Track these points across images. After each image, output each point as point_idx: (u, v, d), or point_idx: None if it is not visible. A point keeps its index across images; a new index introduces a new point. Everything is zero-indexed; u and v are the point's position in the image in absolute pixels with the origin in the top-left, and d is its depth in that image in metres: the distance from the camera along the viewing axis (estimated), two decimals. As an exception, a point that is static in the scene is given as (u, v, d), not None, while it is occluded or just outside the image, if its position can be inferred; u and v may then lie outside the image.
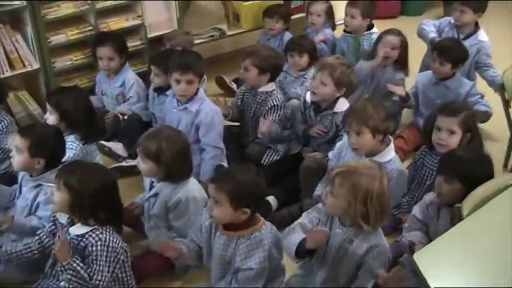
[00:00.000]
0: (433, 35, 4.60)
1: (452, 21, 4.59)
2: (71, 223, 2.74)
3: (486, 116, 4.06)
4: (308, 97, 3.92)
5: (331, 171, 2.67)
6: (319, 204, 2.76)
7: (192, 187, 3.12)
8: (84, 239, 2.66)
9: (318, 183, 3.55)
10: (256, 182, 2.65)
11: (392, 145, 3.29)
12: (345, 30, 4.91)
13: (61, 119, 3.44)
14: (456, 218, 2.45)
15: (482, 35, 4.48)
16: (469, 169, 2.78)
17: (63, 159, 3.18)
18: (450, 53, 4.00)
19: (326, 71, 3.72)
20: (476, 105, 3.98)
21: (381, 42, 4.30)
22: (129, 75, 4.47)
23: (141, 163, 3.06)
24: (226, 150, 3.81)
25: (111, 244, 2.65)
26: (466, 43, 4.35)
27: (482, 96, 4.12)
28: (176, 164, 3.02)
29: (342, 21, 4.97)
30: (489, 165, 2.91)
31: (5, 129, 3.73)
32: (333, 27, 5.08)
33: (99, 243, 2.64)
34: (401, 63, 4.32)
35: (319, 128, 3.78)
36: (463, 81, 4.09)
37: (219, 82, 5.07)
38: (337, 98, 3.78)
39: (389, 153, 3.26)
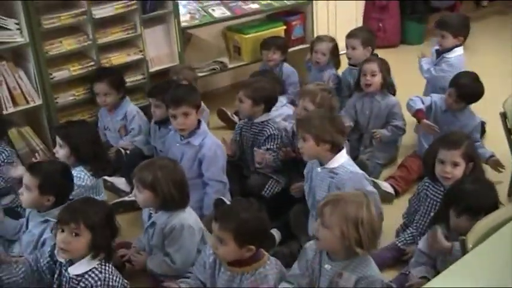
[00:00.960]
0: (427, 66, 4.69)
1: (436, 47, 4.67)
2: (70, 262, 2.70)
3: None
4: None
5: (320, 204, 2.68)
6: (306, 245, 2.79)
7: (188, 216, 3.14)
8: (83, 279, 2.61)
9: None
10: (260, 219, 2.65)
11: (343, 152, 3.34)
12: (350, 64, 4.91)
13: (71, 152, 3.48)
14: (461, 250, 2.44)
15: (453, 52, 4.57)
16: (480, 202, 2.80)
17: (73, 192, 3.21)
18: (467, 93, 4.04)
19: (307, 97, 3.80)
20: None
21: (361, 72, 4.36)
22: (130, 108, 4.51)
23: (138, 193, 3.09)
24: (229, 182, 3.80)
25: (111, 283, 2.62)
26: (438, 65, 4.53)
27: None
28: (172, 193, 3.04)
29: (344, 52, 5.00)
30: (495, 194, 2.94)
31: (6, 160, 3.76)
32: (337, 65, 5.08)
33: (98, 282, 2.60)
34: (387, 86, 4.38)
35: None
36: (471, 116, 4.11)
37: (220, 115, 5.10)
38: None
39: (339, 160, 3.31)
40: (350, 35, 4.80)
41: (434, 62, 4.68)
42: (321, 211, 2.61)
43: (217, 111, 5.09)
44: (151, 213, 3.19)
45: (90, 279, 2.60)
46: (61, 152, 3.49)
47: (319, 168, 3.36)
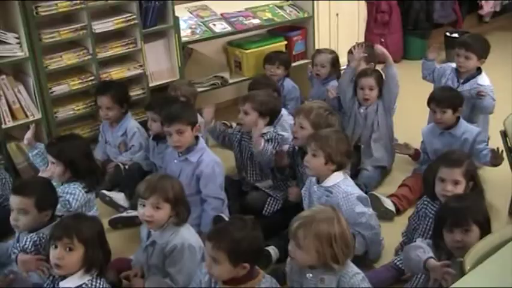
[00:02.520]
0: (424, 72, 4.69)
1: (453, 65, 4.59)
2: (62, 277, 2.67)
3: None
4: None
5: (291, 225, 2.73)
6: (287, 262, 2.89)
7: (188, 235, 3.11)
8: None
9: None
10: (253, 237, 2.63)
11: (340, 172, 3.39)
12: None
13: (66, 169, 3.44)
14: (458, 272, 2.41)
15: (482, 79, 4.45)
16: (467, 214, 2.78)
17: (71, 208, 3.28)
18: (446, 100, 4.02)
19: (301, 114, 3.79)
20: (485, 152, 3.94)
21: (358, 85, 4.38)
22: (131, 124, 4.49)
23: (154, 211, 3.03)
24: (227, 199, 3.79)
25: None
26: (466, 86, 4.38)
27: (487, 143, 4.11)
28: (179, 207, 3.03)
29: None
30: (482, 205, 2.99)
31: None
32: (338, 77, 5.05)
33: None
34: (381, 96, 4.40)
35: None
36: (468, 128, 4.07)
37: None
38: None
39: (334, 179, 3.37)
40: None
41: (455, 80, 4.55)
42: (295, 234, 2.67)
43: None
44: (150, 231, 3.16)
45: None
46: (56, 170, 3.45)
47: (315, 187, 3.38)
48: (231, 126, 4.99)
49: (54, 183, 3.43)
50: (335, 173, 3.35)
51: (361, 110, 4.42)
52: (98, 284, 2.63)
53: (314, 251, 2.62)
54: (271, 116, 4.02)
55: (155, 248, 3.10)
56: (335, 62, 5.03)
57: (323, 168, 3.35)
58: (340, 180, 3.35)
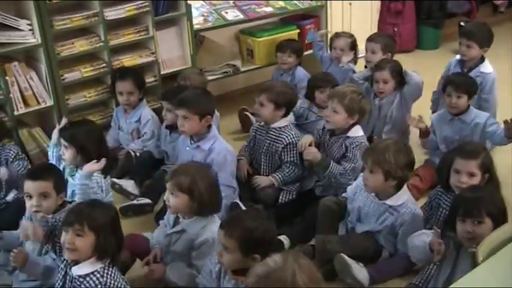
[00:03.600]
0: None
1: (457, 57, 4.58)
2: (74, 262, 2.67)
3: None
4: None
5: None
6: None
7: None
8: (85, 281, 2.59)
9: (337, 224, 3.53)
10: (266, 228, 2.60)
11: (405, 188, 3.28)
12: (366, 66, 4.88)
13: (77, 153, 3.44)
14: (471, 262, 2.39)
15: (485, 67, 4.45)
16: (481, 205, 2.74)
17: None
18: (464, 85, 3.97)
19: (336, 99, 3.75)
20: (498, 132, 3.88)
21: (373, 78, 4.36)
22: (146, 111, 4.49)
23: (172, 197, 2.99)
24: (239, 189, 3.77)
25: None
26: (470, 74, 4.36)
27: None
28: (209, 197, 2.98)
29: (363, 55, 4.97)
30: (499, 199, 2.88)
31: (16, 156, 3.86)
32: (355, 61, 5.07)
33: (99, 286, 2.57)
34: (399, 88, 4.35)
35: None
36: (477, 113, 4.03)
37: (241, 115, 5.05)
38: (352, 125, 3.79)
39: (402, 197, 3.24)
40: (371, 39, 4.77)
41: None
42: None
43: (239, 110, 5.06)
44: (178, 217, 3.13)
45: (91, 281, 2.58)
46: (67, 154, 3.46)
47: (374, 202, 3.30)
48: (253, 114, 4.95)
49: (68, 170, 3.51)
50: (402, 190, 3.24)
51: (376, 102, 4.39)
52: (110, 272, 2.62)
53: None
54: (287, 107, 3.97)
55: (182, 236, 3.05)
56: (354, 45, 5.02)
57: (383, 185, 3.19)
58: (407, 198, 3.26)
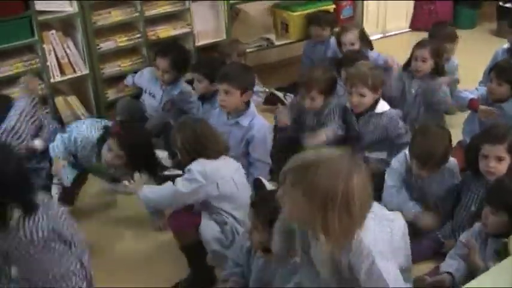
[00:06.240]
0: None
1: (505, 46, 4.48)
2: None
3: None
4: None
5: None
6: None
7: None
8: None
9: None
10: None
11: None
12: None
13: (125, 159, 3.44)
14: (502, 252, 2.39)
15: None
16: None
17: None
18: (509, 74, 3.85)
19: (359, 83, 3.75)
20: None
21: (412, 55, 4.28)
22: (187, 88, 4.43)
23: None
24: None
25: None
26: None
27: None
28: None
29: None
30: None
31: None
32: (371, 47, 4.93)
33: None
34: (438, 71, 4.28)
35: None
36: None
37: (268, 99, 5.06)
38: (376, 101, 3.81)
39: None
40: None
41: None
42: None
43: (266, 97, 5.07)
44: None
45: None
46: (113, 158, 3.45)
47: None
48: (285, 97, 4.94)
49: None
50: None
51: (413, 90, 4.32)
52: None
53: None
54: (331, 89, 3.98)
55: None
56: (362, 35, 4.85)
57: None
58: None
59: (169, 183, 3.16)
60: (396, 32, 5.64)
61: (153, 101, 4.52)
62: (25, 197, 2.35)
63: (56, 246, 2.45)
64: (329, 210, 1.88)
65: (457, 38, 4.70)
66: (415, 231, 3.28)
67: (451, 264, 2.99)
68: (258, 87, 4.62)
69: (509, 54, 4.45)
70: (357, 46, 4.77)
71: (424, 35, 4.90)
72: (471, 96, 4.03)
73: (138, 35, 4.56)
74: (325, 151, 2.00)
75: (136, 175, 3.25)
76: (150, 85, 4.50)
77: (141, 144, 3.48)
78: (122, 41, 4.51)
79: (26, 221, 2.33)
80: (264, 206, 2.60)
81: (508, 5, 6.27)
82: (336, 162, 1.93)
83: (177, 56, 4.33)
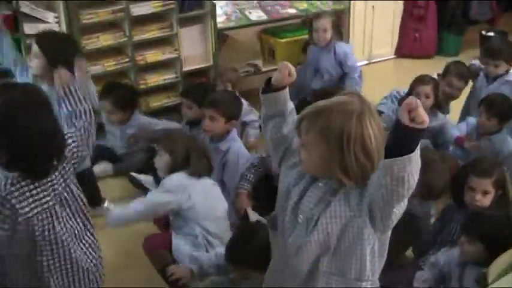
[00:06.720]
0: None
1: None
2: None
3: None
4: None
5: None
6: None
7: None
8: None
9: None
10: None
11: None
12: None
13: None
14: (482, 282, 2.42)
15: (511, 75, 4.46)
16: (492, 232, 2.75)
17: None
18: (498, 108, 3.92)
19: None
20: None
21: (413, 92, 4.18)
22: (145, 120, 4.51)
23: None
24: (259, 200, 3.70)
25: None
26: (496, 84, 4.40)
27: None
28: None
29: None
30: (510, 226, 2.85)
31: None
32: (341, 38, 4.93)
33: None
34: (437, 105, 4.28)
35: None
36: (507, 140, 3.98)
37: None
38: None
39: None
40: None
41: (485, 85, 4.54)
42: None
43: None
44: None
45: None
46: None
47: None
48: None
49: None
50: None
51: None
52: None
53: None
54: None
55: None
56: (335, 26, 4.83)
57: None
58: None
59: (138, 199, 3.28)
60: (382, 59, 5.69)
61: (116, 140, 4.53)
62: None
63: None
64: (345, 150, 1.90)
65: (468, 79, 4.72)
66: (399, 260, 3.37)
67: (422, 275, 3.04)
68: (253, 117, 4.58)
69: (486, 77, 4.54)
70: (329, 33, 4.74)
71: (409, 61, 4.95)
72: (457, 133, 4.17)
73: (127, 60, 4.60)
74: (335, 97, 2.01)
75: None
76: (108, 126, 4.52)
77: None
78: (109, 65, 4.55)
79: None
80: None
81: (490, 33, 6.38)
82: (347, 103, 1.95)
83: (120, 96, 4.31)
